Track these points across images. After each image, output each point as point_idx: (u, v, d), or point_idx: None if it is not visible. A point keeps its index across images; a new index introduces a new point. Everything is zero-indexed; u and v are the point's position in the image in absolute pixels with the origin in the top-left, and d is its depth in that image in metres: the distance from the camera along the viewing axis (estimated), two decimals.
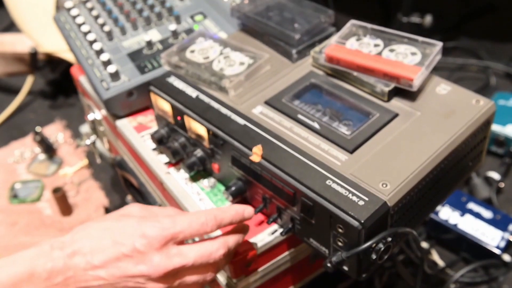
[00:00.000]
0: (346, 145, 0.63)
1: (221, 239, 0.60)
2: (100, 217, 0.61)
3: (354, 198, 0.57)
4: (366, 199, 0.57)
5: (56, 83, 1.62)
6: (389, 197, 0.57)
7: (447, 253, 1.04)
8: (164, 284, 0.56)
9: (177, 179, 0.75)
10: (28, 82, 1.55)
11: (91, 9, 1.00)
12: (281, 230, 0.67)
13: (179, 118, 0.73)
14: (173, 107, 0.72)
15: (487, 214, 1.01)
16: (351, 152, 0.63)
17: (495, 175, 1.14)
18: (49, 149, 1.37)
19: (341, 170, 0.60)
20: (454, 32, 1.65)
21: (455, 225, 1.00)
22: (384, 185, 0.58)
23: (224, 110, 0.69)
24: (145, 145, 0.81)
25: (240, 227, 0.63)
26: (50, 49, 1.42)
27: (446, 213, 1.02)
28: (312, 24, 0.77)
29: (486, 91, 1.40)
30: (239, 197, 0.69)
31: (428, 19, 1.39)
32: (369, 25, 0.74)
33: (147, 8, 0.97)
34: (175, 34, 0.89)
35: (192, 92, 0.72)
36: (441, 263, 1.01)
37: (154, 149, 0.79)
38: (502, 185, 1.15)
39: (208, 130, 0.68)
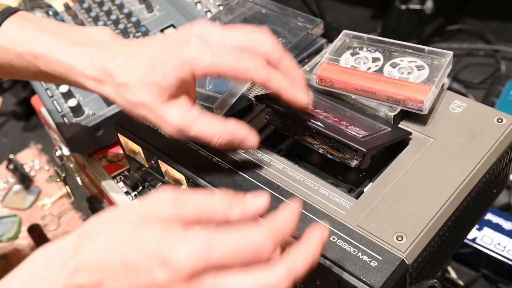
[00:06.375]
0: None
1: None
2: (119, 210, 0.43)
3: (365, 258, 0.47)
4: (380, 258, 0.47)
5: (29, 102, 1.50)
6: (407, 253, 0.47)
7: (465, 269, 0.94)
8: None
9: None
10: None
11: None
12: None
13: (153, 162, 0.62)
14: (145, 149, 0.62)
15: (507, 225, 0.92)
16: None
17: None
18: (24, 179, 1.26)
19: (347, 220, 0.50)
20: (457, 13, 1.50)
21: (473, 240, 0.91)
22: (400, 238, 0.48)
23: (204, 152, 0.58)
24: (118, 189, 0.70)
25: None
26: None
27: None
28: (298, 37, 0.66)
29: (496, 79, 1.23)
30: None
31: (429, 4, 1.25)
32: (364, 35, 0.63)
33: (110, 24, 0.86)
34: None
35: None
36: (460, 282, 0.92)
37: (127, 193, 0.69)
38: None
39: (187, 178, 0.58)
